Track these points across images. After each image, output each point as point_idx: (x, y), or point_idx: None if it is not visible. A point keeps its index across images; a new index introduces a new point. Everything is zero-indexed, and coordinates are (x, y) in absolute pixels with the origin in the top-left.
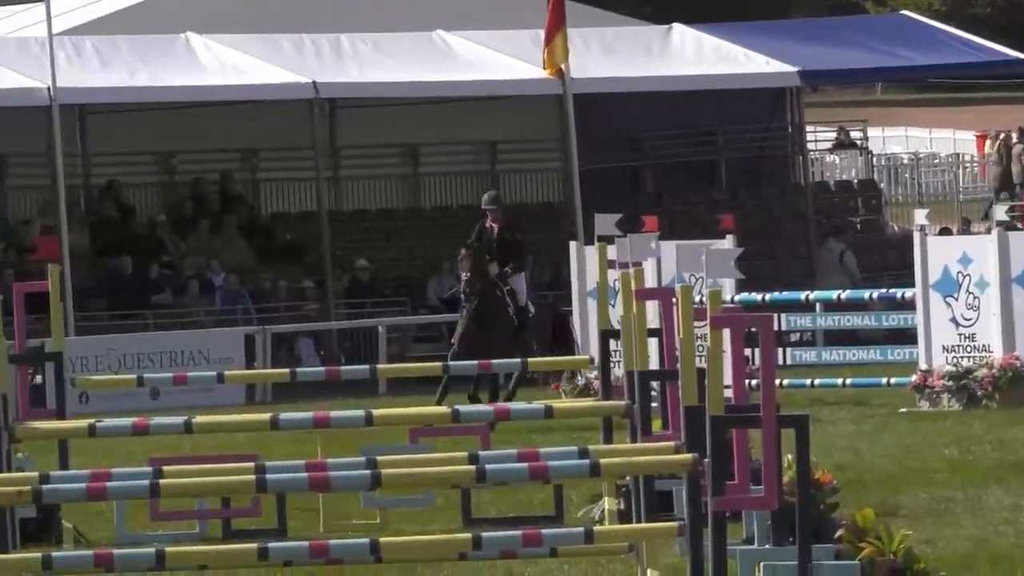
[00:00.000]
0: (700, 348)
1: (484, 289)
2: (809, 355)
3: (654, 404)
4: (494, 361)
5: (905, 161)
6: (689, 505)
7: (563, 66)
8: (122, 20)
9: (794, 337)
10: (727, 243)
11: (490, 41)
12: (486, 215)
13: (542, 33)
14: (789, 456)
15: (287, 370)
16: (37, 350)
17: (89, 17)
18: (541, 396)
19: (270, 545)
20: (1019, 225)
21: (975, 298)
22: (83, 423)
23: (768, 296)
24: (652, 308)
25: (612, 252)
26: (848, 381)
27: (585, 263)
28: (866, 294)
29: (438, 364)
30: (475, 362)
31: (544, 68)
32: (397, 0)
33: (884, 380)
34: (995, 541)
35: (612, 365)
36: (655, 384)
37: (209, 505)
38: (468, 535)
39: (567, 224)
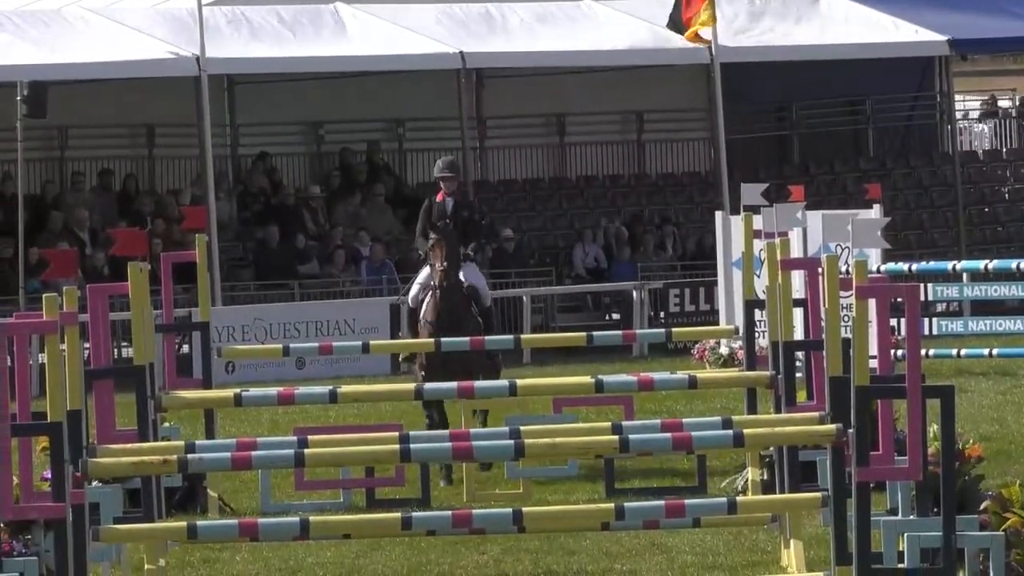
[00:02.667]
0: (845, 318)
1: (453, 287)
2: (956, 325)
3: (799, 374)
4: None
5: None
6: (833, 476)
7: (709, 35)
8: None
9: (940, 307)
10: (874, 213)
11: (637, 10)
12: (439, 186)
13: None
14: (934, 427)
15: (431, 340)
16: (184, 319)
17: None
18: (684, 366)
19: (413, 514)
20: None
21: None
22: (229, 392)
23: (915, 266)
24: (797, 278)
25: (758, 222)
26: (995, 351)
27: (731, 233)
28: (1013, 264)
29: (582, 334)
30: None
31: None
32: None
33: None
34: None
35: (757, 335)
36: (800, 354)
37: (353, 475)
38: (611, 505)
39: (713, 194)
